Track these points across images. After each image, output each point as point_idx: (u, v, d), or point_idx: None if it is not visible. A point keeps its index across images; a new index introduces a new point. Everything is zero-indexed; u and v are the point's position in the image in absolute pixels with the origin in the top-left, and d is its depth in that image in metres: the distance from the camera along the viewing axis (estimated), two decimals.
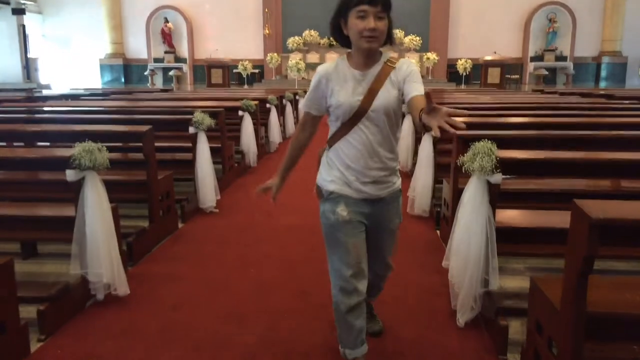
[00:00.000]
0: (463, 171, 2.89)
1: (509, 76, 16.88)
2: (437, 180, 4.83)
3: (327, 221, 2.17)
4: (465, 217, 2.84)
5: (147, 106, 6.36)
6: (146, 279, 3.46)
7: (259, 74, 18.61)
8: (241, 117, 6.54)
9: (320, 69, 2.15)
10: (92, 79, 19.28)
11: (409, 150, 6.46)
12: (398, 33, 18.13)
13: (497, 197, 2.84)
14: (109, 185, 3.11)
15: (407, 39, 17.94)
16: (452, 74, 18.06)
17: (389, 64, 2.06)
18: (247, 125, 6.58)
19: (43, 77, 17.60)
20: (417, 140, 6.39)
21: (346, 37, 2.07)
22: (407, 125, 6.46)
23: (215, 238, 4.31)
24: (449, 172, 4.57)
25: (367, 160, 2.09)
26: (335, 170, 2.15)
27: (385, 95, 2.03)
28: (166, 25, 18.90)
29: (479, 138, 3.03)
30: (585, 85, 17.94)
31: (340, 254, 2.14)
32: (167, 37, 18.99)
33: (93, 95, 9.82)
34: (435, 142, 4.75)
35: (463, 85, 17.09)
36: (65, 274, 3.03)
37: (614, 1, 18.12)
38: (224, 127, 5.75)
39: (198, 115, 4.82)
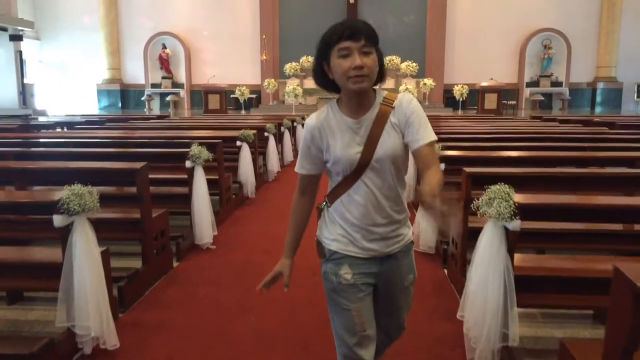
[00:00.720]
0: (478, 215, 2.70)
1: (506, 102, 16.83)
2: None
3: (329, 284, 1.93)
4: (481, 266, 2.64)
5: (142, 137, 6.17)
6: (138, 327, 3.22)
7: (256, 99, 18.52)
8: (239, 147, 6.35)
9: (309, 122, 1.86)
10: (89, 104, 19.15)
11: (413, 180, 6.27)
12: (395, 59, 18.13)
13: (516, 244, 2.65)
14: (101, 224, 2.90)
15: (403, 65, 17.90)
16: (449, 99, 18.02)
17: (385, 104, 1.79)
18: (245, 156, 6.39)
19: (39, 102, 17.44)
20: None
21: (332, 82, 1.78)
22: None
23: (212, 279, 4.08)
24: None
25: (373, 216, 1.83)
26: (338, 227, 1.89)
27: (388, 143, 1.76)
28: (164, 51, 18.86)
29: (489, 177, 2.83)
30: (581, 111, 17.94)
31: (344, 320, 1.91)
32: (165, 62, 18.94)
33: (89, 122, 9.65)
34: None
35: (460, 110, 17.01)
36: (51, 323, 2.80)
37: (609, 27, 18.23)
38: (222, 159, 5.56)
39: (195, 149, 4.63)
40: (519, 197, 2.62)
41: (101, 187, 2.86)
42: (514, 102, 17.46)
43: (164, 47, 18.87)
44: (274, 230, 5.14)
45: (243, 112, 16.95)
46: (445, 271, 4.22)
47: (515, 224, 2.57)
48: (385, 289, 1.97)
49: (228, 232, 5.29)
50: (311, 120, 1.86)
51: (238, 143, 6.34)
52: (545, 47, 18.53)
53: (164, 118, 11.81)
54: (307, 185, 1.95)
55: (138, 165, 3.69)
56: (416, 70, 17.80)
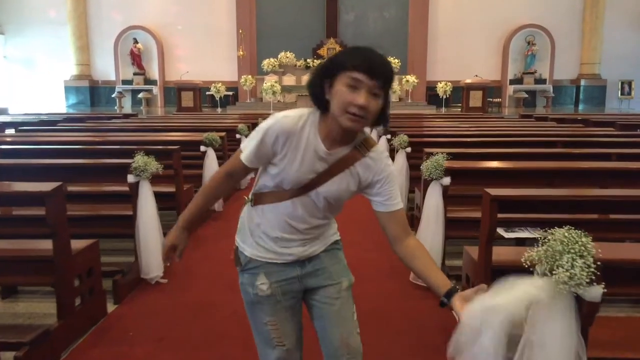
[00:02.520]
0: (536, 273, 1.75)
1: (491, 99, 16.02)
2: (447, 237, 3.72)
3: (247, 296, 1.77)
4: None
5: (81, 142, 5.09)
6: None
7: (232, 96, 17.43)
8: (204, 153, 5.34)
9: (283, 121, 1.57)
10: (57, 102, 17.83)
11: (403, 193, 5.34)
12: None
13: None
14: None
15: None
16: (432, 97, 17.16)
17: (360, 150, 1.61)
18: (211, 163, 5.37)
19: (1, 100, 16.09)
20: (412, 179, 5.31)
21: (322, 103, 1.55)
22: (400, 162, 5.35)
23: (155, 330, 3.08)
24: (465, 229, 3.50)
25: (292, 233, 1.69)
26: (255, 231, 1.72)
27: (339, 186, 1.62)
28: (135, 46, 17.62)
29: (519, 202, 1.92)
30: (565, 108, 17.26)
31: (262, 335, 1.78)
32: (137, 58, 17.70)
33: (43, 122, 8.51)
34: (446, 191, 3.62)
35: (443, 108, 16.16)
36: None
37: (593, 24, 17.54)
38: (180, 168, 4.54)
39: (140, 160, 3.61)
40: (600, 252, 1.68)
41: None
42: (499, 100, 16.66)
43: (136, 42, 17.62)
44: None
45: (219, 110, 15.87)
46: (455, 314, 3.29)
47: (596, 292, 1.62)
48: (315, 296, 1.78)
49: (186, 259, 4.22)
50: (285, 121, 1.57)
51: (202, 148, 5.33)
52: (528, 43, 17.76)
53: (130, 117, 10.67)
54: (239, 173, 1.74)
55: (49, 186, 2.66)
56: (398, 67, 16.91)
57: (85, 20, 17.86)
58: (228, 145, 6.46)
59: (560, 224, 1.85)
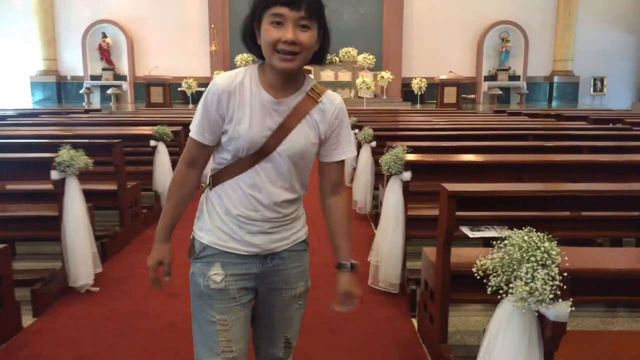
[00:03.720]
0: (488, 291, 1.40)
1: (465, 96, 15.81)
2: (408, 237, 3.39)
3: (196, 288, 1.53)
4: None
5: (17, 135, 4.63)
6: None
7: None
8: (154, 148, 4.92)
9: (219, 80, 1.43)
10: (23, 98, 17.12)
11: (368, 190, 5.01)
12: (351, 51, 16.90)
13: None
14: None
15: (360, 58, 16.68)
16: (407, 93, 16.89)
17: (312, 95, 1.45)
18: (162, 159, 4.96)
19: None
20: (377, 176, 4.98)
21: (256, 49, 1.43)
22: (365, 158, 5.02)
23: (78, 346, 2.68)
24: (427, 228, 3.21)
25: (257, 210, 1.47)
26: (215, 217, 1.50)
27: (300, 138, 1.44)
28: (104, 41, 16.98)
29: (480, 199, 1.61)
30: (538, 105, 17.16)
31: (205, 334, 1.51)
32: (105, 53, 17.06)
33: None
34: (406, 187, 3.28)
35: (418, 105, 15.91)
36: None
37: (566, 21, 17.45)
38: (121, 164, 4.12)
39: (65, 154, 3.20)
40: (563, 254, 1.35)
41: None
42: (473, 97, 16.46)
43: (104, 36, 16.97)
44: None
45: (190, 106, 15.37)
46: (415, 323, 2.96)
47: (561, 310, 1.29)
48: (269, 297, 1.59)
49: (125, 262, 3.88)
50: (221, 80, 1.43)
51: (152, 143, 4.91)
52: (503, 40, 17.58)
53: (90, 112, 10.14)
54: (199, 157, 1.52)
55: None
56: (373, 63, 16.63)
57: (52, 14, 17.16)
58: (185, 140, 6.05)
59: (529, 222, 1.53)
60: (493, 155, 3.57)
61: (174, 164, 5.18)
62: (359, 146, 5.43)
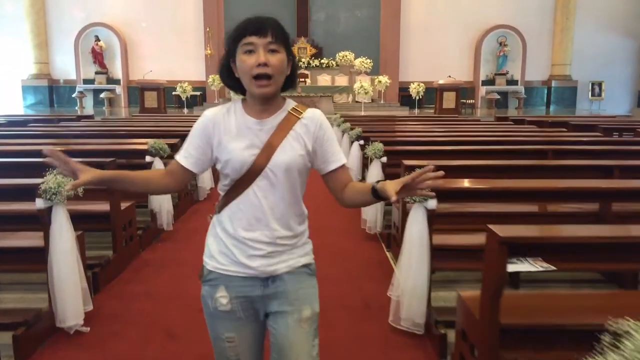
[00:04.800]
0: None
1: (464, 101, 15.51)
2: (434, 270, 3.05)
3: (206, 309, 1.64)
4: None
5: None
6: None
7: (200, 96, 16.53)
8: (149, 164, 4.56)
9: (207, 112, 1.61)
10: (14, 102, 16.64)
11: (378, 207, 4.67)
12: (348, 55, 16.57)
13: None
14: None
15: (357, 62, 16.36)
16: (405, 98, 16.58)
17: (293, 113, 1.58)
18: None
19: None
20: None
21: (239, 82, 1.56)
22: (374, 174, 4.67)
23: None
24: (452, 259, 2.89)
25: (255, 229, 1.54)
26: (218, 242, 1.60)
27: (287, 152, 1.54)
28: (97, 44, 16.54)
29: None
30: (536, 110, 16.93)
31: (218, 351, 1.65)
32: (98, 56, 16.62)
33: None
34: (432, 217, 2.94)
35: (416, 109, 15.60)
36: None
37: (564, 25, 17.22)
38: None
39: (51, 180, 2.83)
40: None
41: None
42: (472, 102, 16.17)
43: (97, 39, 16.53)
44: (193, 287, 3.42)
45: (185, 111, 14.98)
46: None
47: None
48: (274, 320, 1.59)
49: (118, 295, 3.50)
50: (210, 111, 1.62)
51: (148, 159, 4.54)
52: (500, 44, 17.33)
53: (84, 119, 9.74)
54: (177, 174, 1.63)
55: None
56: (370, 67, 16.32)
57: (44, 17, 16.70)
58: None
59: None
60: (521, 180, 3.25)
61: None
62: (369, 161, 5.10)
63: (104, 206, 3.79)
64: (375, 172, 4.66)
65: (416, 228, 2.91)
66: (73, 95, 16.39)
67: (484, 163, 3.81)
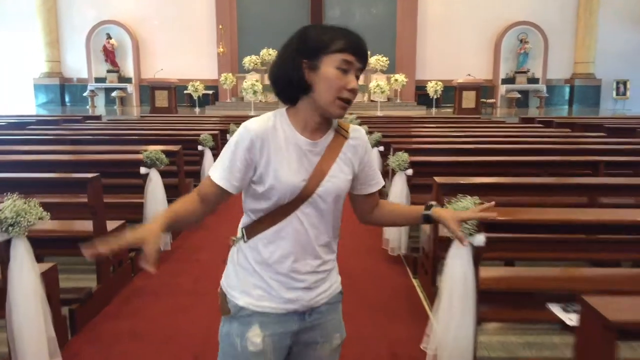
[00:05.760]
0: None
1: (485, 100, 14.77)
2: (480, 321, 2.44)
3: (231, 349, 1.40)
4: None
5: None
6: None
7: (212, 95, 16.00)
8: (145, 175, 4.00)
9: (251, 125, 1.33)
10: (26, 101, 16.27)
11: (403, 232, 4.06)
12: None
13: None
14: None
15: (373, 60, 15.69)
16: (421, 97, 15.90)
17: (340, 132, 1.41)
18: (155, 189, 4.01)
19: None
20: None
21: (299, 88, 1.33)
22: (399, 188, 4.07)
23: None
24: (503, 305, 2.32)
25: (300, 261, 1.37)
26: (251, 275, 1.39)
27: (338, 176, 1.39)
28: (109, 42, 16.09)
29: None
30: (559, 109, 16.16)
31: None
32: (110, 54, 16.18)
33: None
34: (479, 255, 2.33)
35: (434, 109, 14.92)
36: None
37: (587, 22, 16.40)
38: (100, 204, 3.20)
39: (8, 208, 2.28)
40: None
41: None
42: (493, 101, 15.40)
43: (109, 37, 16.08)
44: (189, 323, 2.84)
45: (197, 110, 14.48)
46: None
47: None
48: (301, 352, 1.46)
49: (100, 337, 2.94)
50: (254, 124, 1.34)
51: (143, 170, 3.98)
52: (521, 41, 16.55)
53: (91, 119, 9.25)
54: (213, 199, 1.38)
55: None
56: (387, 65, 15.65)
57: (56, 14, 16.29)
58: (186, 161, 5.13)
59: None
60: (582, 210, 2.63)
61: (170, 193, 4.25)
62: (390, 172, 4.50)
63: (86, 225, 3.24)
64: (399, 186, 4.05)
65: (459, 268, 2.30)
66: (84, 94, 15.96)
67: (530, 181, 3.18)
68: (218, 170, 1.36)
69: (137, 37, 16.41)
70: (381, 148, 5.59)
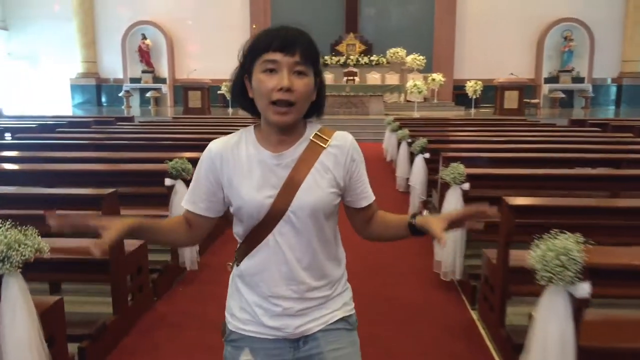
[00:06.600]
0: None
1: (528, 100, 13.94)
2: None
3: None
4: None
5: None
6: None
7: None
8: (169, 188, 3.58)
9: (212, 145, 1.30)
10: (63, 101, 16.29)
11: (458, 245, 3.52)
12: (399, 52, 15.34)
13: None
14: None
15: (409, 59, 15.10)
16: (459, 97, 15.20)
17: (317, 141, 1.27)
18: (181, 200, 3.60)
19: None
20: (470, 243, 3.49)
21: (250, 104, 1.27)
22: (452, 203, 3.54)
23: None
24: None
25: (279, 286, 1.25)
26: (239, 298, 1.32)
27: (313, 191, 1.24)
28: (143, 42, 15.95)
29: None
30: (605, 110, 15.19)
31: None
32: (145, 55, 16.04)
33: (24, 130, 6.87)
34: (580, 310, 1.79)
35: (472, 109, 14.21)
36: None
37: (635, 18, 15.38)
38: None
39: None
40: None
41: None
42: (537, 101, 14.55)
43: (144, 37, 15.95)
44: None
45: (230, 110, 14.16)
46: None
47: None
48: None
49: None
50: (214, 144, 1.30)
51: (168, 182, 3.56)
52: (565, 39, 15.65)
53: (123, 121, 8.98)
54: (194, 223, 1.33)
55: None
56: (423, 64, 15.03)
57: (92, 16, 16.25)
58: None
59: None
60: None
61: None
62: (439, 185, 3.97)
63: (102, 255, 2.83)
64: (453, 203, 3.51)
65: (555, 326, 1.77)
66: (119, 95, 15.87)
67: (628, 205, 2.60)
68: (186, 194, 1.33)
69: (172, 37, 16.22)
70: (426, 155, 5.06)
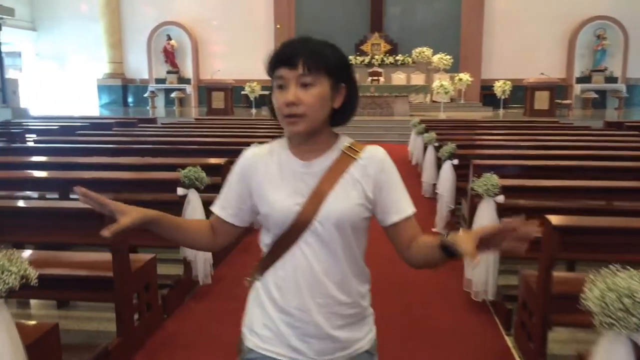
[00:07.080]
0: None
1: (560, 101, 13.40)
2: None
3: None
4: None
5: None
6: None
7: (269, 96, 15.41)
8: (182, 197, 3.37)
9: (247, 153, 1.31)
10: (90, 101, 16.39)
11: (491, 264, 3.22)
12: (425, 51, 14.95)
13: None
14: None
15: (435, 58, 14.70)
16: (487, 97, 14.73)
17: (348, 152, 1.26)
18: (194, 212, 3.37)
19: (28, 99, 14.68)
20: (504, 265, 3.16)
21: None
22: (485, 217, 3.24)
23: None
24: None
25: (306, 298, 1.21)
26: (262, 313, 1.27)
27: (341, 200, 1.21)
28: (169, 43, 15.92)
29: None
30: (639, 110, 14.52)
31: None
32: (170, 55, 16.01)
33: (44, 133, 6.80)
34: None
35: (501, 110, 13.73)
36: None
37: None
38: (123, 243, 2.58)
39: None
40: None
41: None
42: (569, 102, 13.97)
43: (169, 38, 15.92)
44: None
45: (253, 111, 14.00)
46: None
47: None
48: None
49: None
50: (248, 151, 1.32)
51: (180, 192, 3.35)
52: (598, 37, 15.02)
53: (142, 124, 8.87)
54: (219, 229, 1.33)
55: None
56: (450, 64, 14.61)
57: (118, 16, 16.31)
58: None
59: None
60: None
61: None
62: (468, 196, 3.67)
63: (104, 256, 2.63)
64: (487, 216, 3.21)
65: None
66: (145, 95, 15.88)
67: None
68: (217, 199, 1.34)
69: (196, 37, 16.16)
70: (455, 161, 4.75)
